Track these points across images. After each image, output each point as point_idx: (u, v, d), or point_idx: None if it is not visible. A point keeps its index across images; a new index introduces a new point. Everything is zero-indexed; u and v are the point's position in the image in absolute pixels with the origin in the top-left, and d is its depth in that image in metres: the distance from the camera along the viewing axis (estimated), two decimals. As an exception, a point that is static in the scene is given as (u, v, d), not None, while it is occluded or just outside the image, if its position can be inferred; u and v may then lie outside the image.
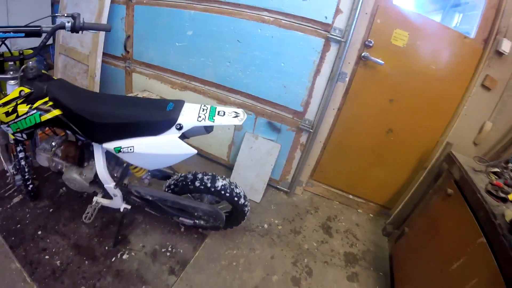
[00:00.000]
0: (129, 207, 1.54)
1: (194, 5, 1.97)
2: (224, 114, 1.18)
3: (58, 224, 1.73)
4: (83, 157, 1.50)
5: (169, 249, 1.69)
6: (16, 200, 1.83)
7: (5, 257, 1.52)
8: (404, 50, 1.76)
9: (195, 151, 1.19)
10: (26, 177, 1.66)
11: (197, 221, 1.58)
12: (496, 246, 1.12)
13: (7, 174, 1.74)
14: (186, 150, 1.18)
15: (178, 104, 1.20)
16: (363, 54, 1.79)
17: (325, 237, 1.99)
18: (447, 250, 1.43)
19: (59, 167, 1.52)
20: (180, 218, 1.59)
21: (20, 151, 1.56)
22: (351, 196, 2.27)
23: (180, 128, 1.15)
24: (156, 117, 1.16)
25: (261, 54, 1.88)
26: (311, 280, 1.69)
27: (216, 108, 1.21)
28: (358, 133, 2.03)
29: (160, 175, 1.60)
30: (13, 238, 1.62)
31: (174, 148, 1.17)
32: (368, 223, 2.20)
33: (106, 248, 1.64)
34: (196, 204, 1.47)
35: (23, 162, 1.59)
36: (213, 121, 1.15)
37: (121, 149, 1.20)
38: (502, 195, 1.34)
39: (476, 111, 1.82)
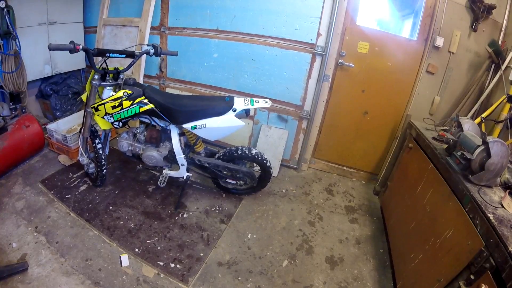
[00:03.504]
0: (190, 175, 2.03)
1: (218, 35, 2.49)
2: (259, 101, 1.78)
3: (125, 200, 2.00)
4: (160, 139, 2.00)
5: (217, 208, 2.14)
6: (82, 188, 2.09)
7: (82, 228, 1.77)
8: (367, 55, 2.32)
9: (244, 124, 1.77)
10: (103, 163, 1.95)
11: (238, 182, 2.10)
12: (439, 166, 1.56)
13: (83, 163, 2.02)
14: (239, 123, 1.77)
15: (232, 97, 1.78)
16: (339, 61, 2.36)
17: (329, 196, 2.48)
18: (413, 182, 1.83)
19: (137, 150, 1.98)
20: (227, 180, 2.10)
21: (98, 143, 1.93)
22: (345, 168, 2.74)
23: (235, 110, 1.74)
24: (220, 104, 1.75)
25: (270, 68, 2.45)
26: (322, 223, 2.16)
27: (254, 99, 1.80)
28: (342, 117, 2.55)
29: (209, 152, 2.12)
30: (87, 214, 1.86)
31: (231, 122, 1.75)
32: (361, 187, 2.67)
33: (169, 212, 1.99)
34: (239, 167, 2.01)
35: (100, 151, 1.93)
36: (254, 105, 1.75)
37: (197, 127, 1.75)
38: (444, 139, 1.86)
39: (426, 90, 2.34)
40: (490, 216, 1.09)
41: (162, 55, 2.09)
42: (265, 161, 2.03)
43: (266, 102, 1.78)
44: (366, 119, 2.53)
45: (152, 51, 1.77)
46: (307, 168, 2.77)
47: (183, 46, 2.65)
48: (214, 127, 1.76)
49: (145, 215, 1.93)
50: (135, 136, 2.01)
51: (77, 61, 3.03)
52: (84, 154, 2.04)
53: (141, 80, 2.70)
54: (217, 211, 2.13)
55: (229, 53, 2.53)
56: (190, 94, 2.82)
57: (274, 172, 2.59)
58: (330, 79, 2.42)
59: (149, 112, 1.79)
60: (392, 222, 2.04)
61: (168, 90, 2.89)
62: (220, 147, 2.22)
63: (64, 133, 2.35)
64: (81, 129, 1.98)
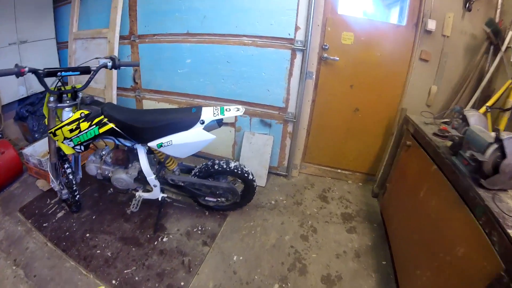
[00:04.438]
0: (165, 195, 1.82)
1: (189, 39, 2.28)
2: (230, 110, 1.54)
3: (102, 226, 1.89)
4: (128, 160, 1.81)
5: (200, 228, 1.92)
6: (59, 215, 1.97)
7: (59, 259, 1.67)
8: (353, 46, 2.09)
9: (214, 137, 1.53)
10: (74, 188, 1.86)
11: (219, 199, 1.89)
12: (444, 168, 1.34)
13: (56, 189, 1.90)
14: (208, 136, 1.53)
15: (199, 108, 1.55)
16: (322, 56, 2.13)
17: (323, 204, 2.23)
18: (413, 185, 1.63)
19: (106, 173, 1.80)
20: (206, 198, 1.88)
21: (68, 167, 1.81)
22: (339, 170, 2.50)
23: (203, 122, 1.51)
24: (186, 117, 1.52)
25: (247, 69, 2.23)
26: (316, 235, 1.92)
27: (224, 107, 1.56)
28: (332, 116, 2.31)
29: (185, 169, 1.90)
30: (64, 243, 1.76)
31: (200, 136, 1.52)
32: (358, 190, 2.43)
33: (148, 236, 1.82)
34: (217, 183, 1.78)
35: (70, 176, 1.83)
36: (224, 115, 1.51)
37: (163, 144, 1.53)
38: (446, 134, 1.63)
39: (421, 80, 2.10)
40: (511, 232, 0.84)
41: (126, 67, 1.87)
42: (246, 174, 1.80)
43: (238, 110, 1.55)
44: (358, 116, 2.30)
45: (109, 64, 1.61)
46: (298, 174, 2.53)
47: (155, 54, 2.47)
48: (182, 143, 1.54)
49: (123, 241, 1.80)
50: (102, 158, 1.80)
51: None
52: (55, 180, 1.88)
53: (114, 94, 2.50)
54: (199, 231, 1.92)
55: (203, 57, 2.33)
56: (168, 104, 2.62)
57: (262, 181, 2.36)
58: (314, 76, 2.19)
59: (110, 132, 1.59)
60: (393, 228, 1.81)
61: (145, 102, 2.71)
62: (203, 158, 1.99)
63: (39, 157, 2.23)
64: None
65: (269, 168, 2.42)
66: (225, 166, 1.76)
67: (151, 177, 1.73)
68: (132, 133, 1.59)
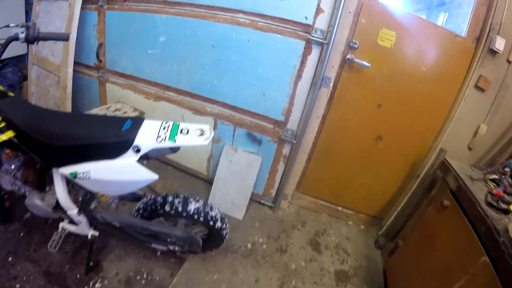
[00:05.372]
0: (96, 233, 1.35)
1: (166, 9, 1.79)
2: (187, 132, 0.99)
3: (29, 248, 1.59)
4: (44, 181, 1.30)
5: (144, 276, 1.50)
6: None
7: None
8: (392, 51, 1.61)
9: (156, 177, 1.01)
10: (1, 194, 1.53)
11: (172, 247, 1.38)
12: (501, 266, 0.99)
13: None
14: (145, 175, 1.00)
15: (136, 122, 1.02)
16: (347, 57, 1.63)
17: (314, 255, 1.80)
18: (445, 268, 1.28)
19: (22, 191, 1.33)
20: (152, 245, 1.39)
21: None
22: (340, 208, 2.08)
23: (138, 150, 0.97)
24: (110, 138, 0.98)
25: (238, 59, 1.70)
26: None
27: (178, 125, 1.03)
28: (345, 141, 1.86)
29: (130, 197, 1.40)
30: None
31: (132, 173, 1.00)
32: (359, 236, 2.03)
33: (78, 276, 1.47)
34: (168, 229, 1.28)
35: None
36: (174, 141, 0.96)
37: (77, 175, 1.02)
38: (504, 206, 1.20)
39: (470, 114, 1.67)
40: None
41: (46, 40, 1.26)
42: (212, 222, 1.28)
43: (202, 134, 0.99)
44: (379, 146, 1.85)
45: (22, 35, 1.14)
46: (288, 205, 2.09)
47: (123, 25, 1.97)
48: (104, 179, 1.00)
49: (47, 277, 1.48)
50: (12, 172, 1.31)
51: (17, 45, 2.62)
52: None
53: (69, 72, 2.01)
54: (143, 281, 1.49)
55: (181, 35, 1.80)
56: (133, 93, 2.09)
57: (239, 214, 1.90)
58: (331, 84, 1.69)
59: (11, 145, 1.10)
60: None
61: (108, 86, 2.21)
62: (173, 167, 1.49)
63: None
64: None
65: (252, 194, 1.93)
66: (180, 209, 1.26)
67: (72, 211, 1.20)
68: (36, 149, 1.08)
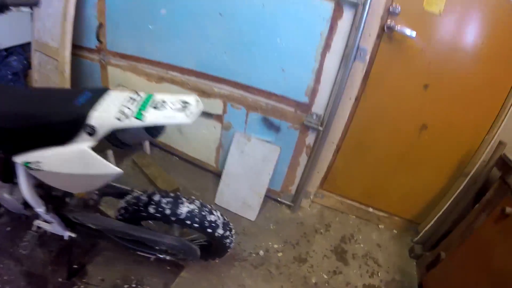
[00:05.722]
0: (74, 235, 1.14)
1: None
2: (163, 106, 0.72)
3: (13, 244, 1.44)
4: (10, 172, 1.09)
5: (133, 285, 1.29)
6: None
7: None
8: (441, 19, 1.29)
9: (120, 171, 0.75)
10: None
11: (161, 256, 1.14)
12: None
13: None
14: (103, 168, 0.74)
15: (96, 94, 0.76)
16: (387, 24, 1.31)
17: (339, 265, 1.53)
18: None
19: None
20: (139, 252, 1.16)
21: None
22: (371, 209, 1.79)
23: (92, 133, 0.70)
24: (55, 116, 0.73)
25: (250, 29, 1.42)
26: None
27: (152, 96, 0.76)
28: (382, 130, 1.56)
29: (113, 192, 1.16)
30: None
31: (85, 165, 0.74)
32: (392, 243, 1.73)
33: (60, 279, 1.31)
34: (156, 236, 1.03)
35: None
36: (141, 119, 0.69)
37: (30, 165, 0.79)
38: None
39: None
40: None
41: (15, 6, 1.04)
42: (211, 230, 1.02)
43: (185, 108, 0.72)
44: (423, 137, 1.54)
45: None
46: (310, 205, 1.82)
47: (124, 2, 1.74)
48: (55, 172, 0.78)
49: (28, 278, 1.34)
50: None
51: (21, 32, 2.43)
52: None
53: (67, 55, 1.82)
54: None
55: (184, 6, 1.56)
56: (135, 76, 1.88)
57: (251, 214, 1.65)
58: (367, 57, 1.37)
59: None
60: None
61: (110, 70, 2.02)
62: (176, 156, 1.27)
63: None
64: None
65: (267, 191, 1.68)
66: (168, 212, 0.99)
67: (39, 209, 0.98)
68: None
